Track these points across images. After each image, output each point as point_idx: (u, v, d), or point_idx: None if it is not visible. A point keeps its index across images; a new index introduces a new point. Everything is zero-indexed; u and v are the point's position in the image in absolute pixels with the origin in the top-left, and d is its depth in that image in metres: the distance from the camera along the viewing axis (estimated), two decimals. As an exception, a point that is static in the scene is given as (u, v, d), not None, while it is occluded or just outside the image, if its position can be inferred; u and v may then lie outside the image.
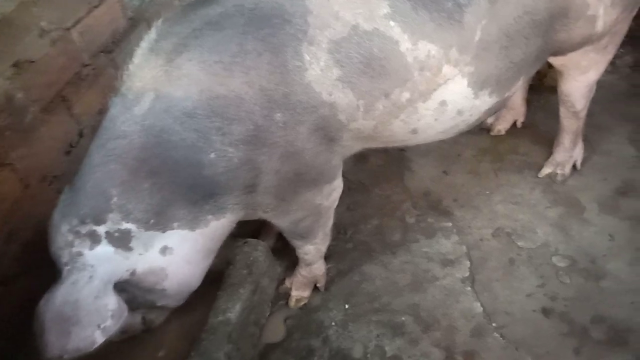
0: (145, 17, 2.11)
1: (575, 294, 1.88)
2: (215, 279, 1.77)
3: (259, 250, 1.95)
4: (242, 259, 1.91)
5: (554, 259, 1.99)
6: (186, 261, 1.49)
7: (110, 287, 1.34)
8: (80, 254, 1.35)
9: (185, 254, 1.48)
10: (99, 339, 1.31)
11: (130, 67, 1.40)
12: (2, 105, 1.51)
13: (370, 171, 2.43)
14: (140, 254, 1.40)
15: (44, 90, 1.66)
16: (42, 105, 1.65)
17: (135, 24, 2.06)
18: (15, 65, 1.55)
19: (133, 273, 1.39)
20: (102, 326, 1.31)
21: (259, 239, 2.04)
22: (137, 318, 1.59)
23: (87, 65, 1.83)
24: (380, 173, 2.44)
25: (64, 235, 1.37)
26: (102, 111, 1.88)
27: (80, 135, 1.82)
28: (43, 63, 1.64)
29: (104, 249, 1.36)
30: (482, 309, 1.87)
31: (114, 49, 1.95)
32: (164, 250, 1.43)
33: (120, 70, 1.94)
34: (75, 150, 1.79)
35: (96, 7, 1.85)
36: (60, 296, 1.30)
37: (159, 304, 1.54)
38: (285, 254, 2.07)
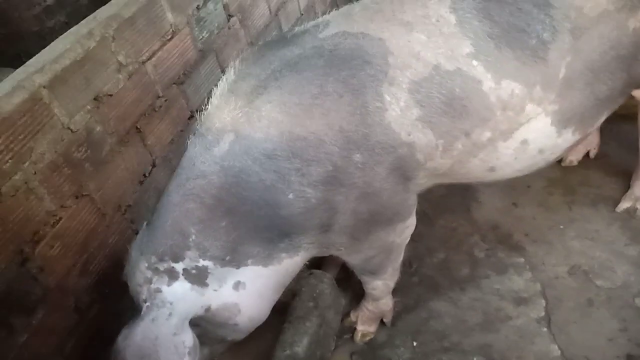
0: (214, 48, 2.15)
1: (663, 341, 1.75)
2: (279, 310, 1.76)
3: (324, 283, 1.93)
4: (307, 291, 1.89)
5: (637, 301, 1.86)
6: (258, 296, 1.50)
7: (187, 323, 1.36)
8: (159, 290, 1.39)
9: (257, 290, 1.48)
10: None
11: (209, 107, 1.43)
12: (82, 139, 1.55)
13: (433, 201, 2.36)
14: (215, 290, 1.41)
15: (120, 123, 1.70)
16: (118, 137, 1.69)
17: (205, 55, 2.10)
18: (95, 99, 1.59)
19: (208, 309, 1.41)
20: None
21: (322, 268, 2.02)
22: (204, 350, 1.59)
23: (160, 97, 1.86)
24: (444, 203, 2.38)
25: (143, 272, 1.41)
26: (174, 141, 1.93)
27: (153, 165, 1.85)
28: (120, 96, 1.69)
29: (182, 285, 1.39)
30: (559, 352, 1.76)
31: (185, 80, 1.99)
32: (237, 285, 1.44)
33: (190, 102, 2.00)
34: (148, 180, 1.82)
35: (169, 40, 1.89)
36: (140, 333, 1.33)
37: (228, 338, 1.55)
38: (349, 285, 2.03)
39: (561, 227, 2.17)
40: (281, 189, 1.35)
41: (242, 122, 1.36)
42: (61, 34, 1.57)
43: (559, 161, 2.40)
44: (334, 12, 1.57)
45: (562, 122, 1.56)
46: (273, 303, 1.59)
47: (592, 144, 2.40)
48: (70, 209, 1.54)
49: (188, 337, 1.34)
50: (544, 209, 2.26)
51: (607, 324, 1.82)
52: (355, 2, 1.60)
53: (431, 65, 1.40)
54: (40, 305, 1.47)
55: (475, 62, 1.42)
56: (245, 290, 1.45)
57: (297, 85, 1.36)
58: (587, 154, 2.42)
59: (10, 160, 1.34)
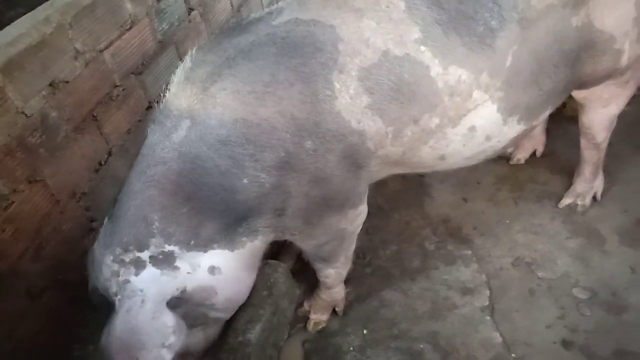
0: (174, 41, 2.17)
1: (596, 327, 1.86)
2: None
3: (279, 272, 1.96)
4: (262, 280, 1.91)
5: (575, 291, 1.97)
6: (234, 279, 1.52)
7: (164, 305, 1.36)
8: (127, 281, 1.38)
9: (231, 273, 1.50)
10: (167, 356, 1.33)
11: (168, 95, 1.44)
12: (36, 124, 1.56)
13: (388, 196, 2.45)
14: (188, 273, 1.42)
15: (76, 110, 1.71)
16: (74, 124, 1.70)
17: (164, 47, 2.12)
18: (51, 85, 1.60)
19: (184, 291, 1.41)
20: (166, 344, 1.33)
21: (278, 260, 2.05)
22: (198, 335, 1.60)
23: (117, 86, 1.88)
24: (399, 198, 2.45)
25: (109, 266, 1.40)
26: (131, 131, 1.94)
27: (109, 154, 1.86)
28: (76, 83, 1.70)
29: (150, 271, 1.39)
30: (501, 339, 1.85)
31: (144, 71, 2.01)
32: (212, 269, 1.45)
33: (148, 93, 2.02)
34: (104, 168, 1.83)
35: (128, 30, 1.91)
36: (119, 326, 1.32)
37: (211, 316, 1.55)
38: (304, 276, 2.07)
39: (507, 221, 2.26)
40: (236, 174, 1.38)
41: (197, 109, 1.38)
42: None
43: (508, 159, 2.52)
44: None
45: (507, 109, 1.61)
46: (249, 284, 1.63)
47: (539, 143, 2.52)
48: (23, 194, 1.54)
49: (169, 318, 1.34)
50: (492, 204, 2.35)
51: (546, 312, 1.92)
52: None
53: (380, 52, 1.43)
54: (-10, 289, 1.47)
55: (423, 48, 1.45)
56: (222, 275, 1.47)
57: (250, 73, 1.38)
58: (534, 153, 2.54)
59: (-38, 142, 1.34)
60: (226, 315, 1.63)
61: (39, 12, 1.60)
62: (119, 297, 1.37)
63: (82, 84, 1.71)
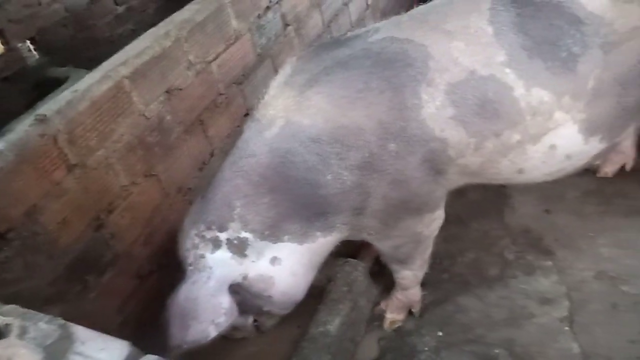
0: (270, 54, 2.37)
1: (685, 346, 1.80)
2: (316, 294, 1.91)
3: (358, 271, 2.07)
4: (342, 277, 2.05)
5: (662, 308, 1.92)
6: (292, 273, 1.64)
7: (225, 288, 1.53)
8: (202, 256, 1.56)
9: (292, 266, 1.62)
10: (213, 333, 1.50)
11: (266, 97, 1.61)
12: (154, 125, 1.78)
13: (468, 205, 2.48)
14: (252, 261, 1.57)
15: (187, 114, 1.93)
16: (184, 127, 1.92)
17: (262, 59, 2.32)
18: (167, 91, 1.83)
19: (245, 277, 1.57)
20: (216, 322, 1.50)
21: (358, 259, 2.16)
22: (249, 320, 1.75)
23: (221, 94, 2.09)
24: (478, 208, 2.48)
25: (192, 239, 1.59)
26: (231, 135, 2.14)
27: (212, 154, 2.07)
28: (188, 91, 1.92)
29: (223, 254, 1.56)
30: (580, 350, 1.83)
31: (244, 81, 2.21)
32: (274, 260, 1.59)
33: (247, 101, 2.22)
34: (207, 167, 2.04)
35: (232, 44, 2.12)
36: (183, 294, 1.52)
37: (265, 309, 1.68)
38: (382, 277, 2.16)
39: (592, 234, 2.22)
40: (321, 170, 1.50)
41: (293, 110, 1.53)
42: (129, 40, 1.79)
43: (594, 172, 2.48)
44: (383, 21, 1.72)
45: (589, 130, 1.64)
46: (307, 283, 1.70)
47: (629, 157, 2.45)
48: (140, 186, 1.77)
49: (225, 300, 1.50)
50: (576, 217, 2.32)
51: (630, 327, 1.87)
52: (403, 14, 1.74)
53: (468, 70, 1.53)
54: (109, 267, 1.69)
55: (508, 70, 1.54)
56: (281, 266, 1.59)
57: (345, 81, 1.52)
58: (623, 167, 2.47)
59: (95, 138, 1.58)
60: (280, 311, 1.72)
61: (160, 28, 1.84)
62: (191, 267, 1.55)
63: (193, 92, 1.93)
